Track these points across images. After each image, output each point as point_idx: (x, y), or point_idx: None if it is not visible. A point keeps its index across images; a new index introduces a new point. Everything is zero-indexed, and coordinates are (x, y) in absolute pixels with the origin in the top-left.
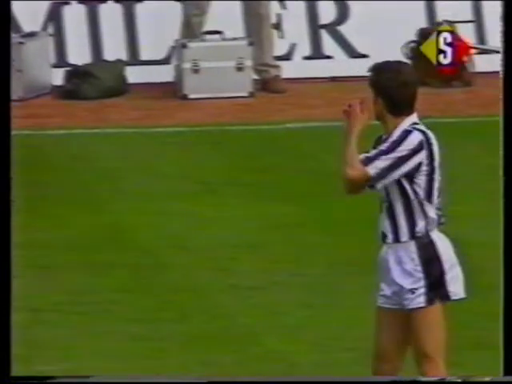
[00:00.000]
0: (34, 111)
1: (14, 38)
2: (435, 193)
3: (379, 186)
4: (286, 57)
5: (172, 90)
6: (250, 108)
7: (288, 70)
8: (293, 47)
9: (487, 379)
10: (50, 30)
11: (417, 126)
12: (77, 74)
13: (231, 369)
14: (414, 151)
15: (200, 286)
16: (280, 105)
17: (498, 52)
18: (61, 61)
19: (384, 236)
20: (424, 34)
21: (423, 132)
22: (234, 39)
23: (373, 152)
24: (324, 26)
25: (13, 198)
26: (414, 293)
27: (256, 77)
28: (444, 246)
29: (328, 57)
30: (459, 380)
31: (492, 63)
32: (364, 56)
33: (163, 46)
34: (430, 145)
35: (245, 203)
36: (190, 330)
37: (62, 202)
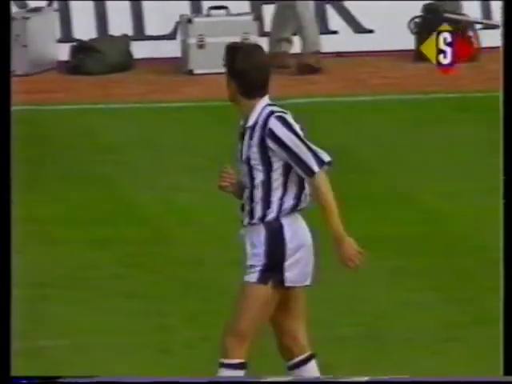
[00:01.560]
0: (38, 86)
1: (19, 13)
2: (293, 178)
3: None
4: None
5: (177, 65)
6: None
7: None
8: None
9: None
10: (56, 5)
11: (275, 108)
12: (82, 49)
13: None
14: (296, 126)
15: (205, 261)
16: (284, 80)
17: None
18: (66, 36)
19: (241, 216)
20: (429, 10)
21: (285, 114)
22: (240, 14)
23: (303, 151)
24: (330, 2)
25: (13, 175)
26: (251, 268)
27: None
28: (293, 232)
29: (334, 32)
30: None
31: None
32: (370, 31)
33: (169, 22)
34: None
35: None
36: (194, 306)
37: (66, 177)
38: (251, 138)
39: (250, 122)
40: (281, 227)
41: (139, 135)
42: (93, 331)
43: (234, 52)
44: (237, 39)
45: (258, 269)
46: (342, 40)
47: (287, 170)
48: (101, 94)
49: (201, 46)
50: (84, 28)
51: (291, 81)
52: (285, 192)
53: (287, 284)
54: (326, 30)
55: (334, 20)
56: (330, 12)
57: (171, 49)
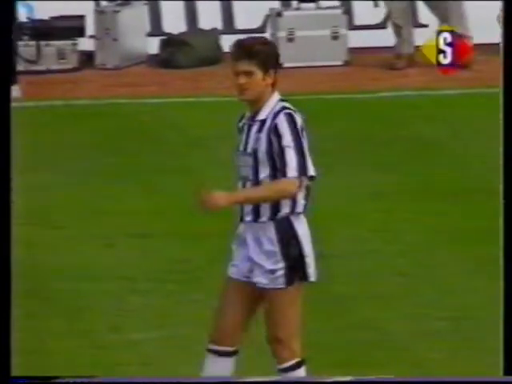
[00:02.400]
0: (129, 80)
1: (110, 6)
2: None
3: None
4: (382, 25)
5: None
6: (345, 77)
7: (383, 39)
8: (388, 16)
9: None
10: None
11: (286, 104)
12: (172, 42)
13: (325, 337)
14: (302, 130)
15: None
16: (374, 73)
17: None
18: (156, 29)
19: (242, 215)
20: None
21: (294, 112)
22: (329, 8)
23: (291, 153)
24: None
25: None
26: (273, 273)
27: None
28: (303, 228)
29: (424, 25)
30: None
31: None
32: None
33: (258, 15)
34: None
35: (340, 171)
36: None
37: (156, 170)
38: (260, 130)
39: (263, 115)
40: (291, 224)
41: (229, 128)
42: (184, 324)
43: (270, 44)
44: (327, 33)
45: (282, 272)
46: (432, 33)
47: None
48: (190, 88)
49: (290, 40)
50: (174, 21)
51: (382, 74)
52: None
53: (311, 279)
54: (415, 24)
55: (424, 13)
56: (420, 5)
57: None
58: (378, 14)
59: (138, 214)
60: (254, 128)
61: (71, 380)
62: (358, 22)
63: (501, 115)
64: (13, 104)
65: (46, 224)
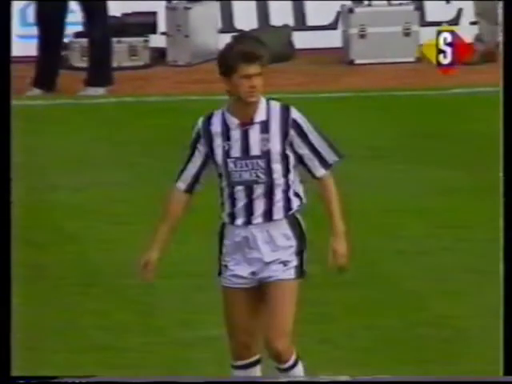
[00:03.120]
0: (201, 76)
1: (181, 3)
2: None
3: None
4: (454, 21)
5: (338, 56)
6: (417, 73)
7: None
8: (460, 12)
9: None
10: None
11: (278, 101)
12: None
13: (397, 334)
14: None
15: (367, 250)
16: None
17: None
18: (228, 26)
19: (249, 219)
20: None
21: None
22: (401, 4)
23: (321, 143)
24: None
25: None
26: (285, 265)
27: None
28: (304, 225)
29: None
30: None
31: None
32: None
33: (330, 11)
34: None
35: (412, 168)
36: (355, 295)
37: None
38: (265, 131)
39: (262, 116)
40: (298, 220)
41: None
42: None
43: (260, 41)
44: (398, 29)
45: (294, 264)
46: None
47: (296, 166)
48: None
49: (362, 36)
50: (245, 18)
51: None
52: (299, 187)
53: (305, 277)
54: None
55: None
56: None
57: (332, 39)
58: (449, 11)
59: (207, 210)
60: (254, 130)
61: (70, 380)
62: (429, 18)
63: (501, 115)
64: (86, 101)
65: (115, 220)
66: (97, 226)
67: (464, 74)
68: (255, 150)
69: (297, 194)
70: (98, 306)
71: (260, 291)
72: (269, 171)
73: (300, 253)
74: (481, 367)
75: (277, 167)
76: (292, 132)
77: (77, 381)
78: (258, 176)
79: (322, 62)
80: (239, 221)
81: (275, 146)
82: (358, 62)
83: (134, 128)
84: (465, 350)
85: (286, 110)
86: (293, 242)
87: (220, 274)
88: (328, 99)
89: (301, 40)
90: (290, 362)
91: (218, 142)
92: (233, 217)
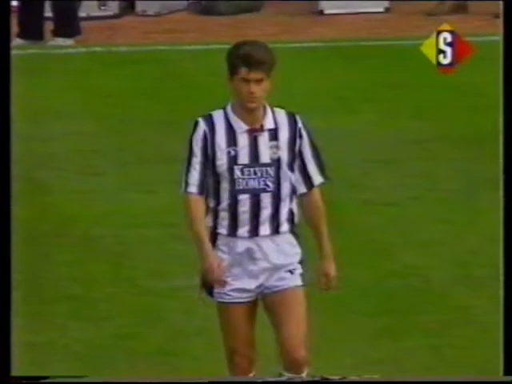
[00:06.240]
0: (170, 26)
1: None
2: None
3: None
4: None
5: (308, 6)
6: (386, 24)
7: None
8: None
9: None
10: None
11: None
12: None
13: (365, 285)
14: None
15: (334, 201)
16: (416, 21)
17: None
18: None
19: (256, 231)
20: None
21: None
22: None
23: (314, 160)
24: None
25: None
26: (293, 273)
27: None
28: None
29: None
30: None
31: None
32: None
33: None
34: None
35: (380, 118)
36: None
37: (196, 116)
38: (274, 139)
39: (271, 124)
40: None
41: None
42: None
43: (272, 50)
44: None
45: (299, 271)
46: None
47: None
48: (232, 35)
49: None
50: None
51: (423, 21)
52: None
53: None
54: None
55: None
56: None
57: None
58: None
59: (178, 161)
60: (264, 137)
61: (63, 380)
62: None
63: (501, 115)
64: (56, 51)
65: (86, 171)
66: (67, 177)
67: (434, 24)
68: (265, 157)
69: (296, 205)
70: (69, 257)
71: (264, 301)
72: (278, 180)
73: (302, 261)
74: (447, 317)
75: (285, 176)
76: (299, 141)
77: (78, 381)
78: (266, 184)
79: (291, 12)
80: (243, 232)
81: (285, 154)
82: (327, 12)
83: (104, 78)
84: (434, 299)
85: (293, 119)
86: (297, 249)
87: (211, 291)
88: (298, 49)
89: None
90: (307, 370)
91: (223, 147)
92: (234, 228)
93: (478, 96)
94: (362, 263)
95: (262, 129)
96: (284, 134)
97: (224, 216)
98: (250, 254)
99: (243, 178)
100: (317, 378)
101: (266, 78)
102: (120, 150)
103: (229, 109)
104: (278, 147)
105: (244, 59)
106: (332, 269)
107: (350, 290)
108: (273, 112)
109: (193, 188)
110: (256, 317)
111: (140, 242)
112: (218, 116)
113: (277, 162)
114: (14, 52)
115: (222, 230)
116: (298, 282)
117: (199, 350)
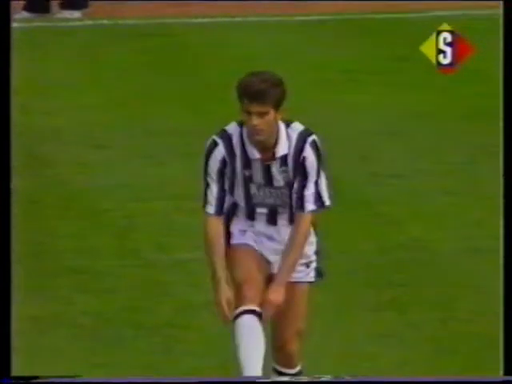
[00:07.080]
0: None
1: None
2: None
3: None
4: None
5: None
6: None
7: None
8: None
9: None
10: None
11: (302, 129)
12: None
13: (373, 257)
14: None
15: (341, 174)
16: None
17: None
18: None
19: (272, 219)
20: None
21: (315, 137)
22: None
23: (310, 186)
24: None
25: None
26: (308, 266)
27: None
28: None
29: None
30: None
31: None
32: None
33: None
34: None
35: (387, 91)
36: (329, 219)
37: (203, 88)
38: (284, 164)
39: (283, 151)
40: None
41: (277, 48)
42: None
43: (282, 83)
44: None
45: (315, 265)
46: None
47: None
48: (238, 7)
49: None
50: None
51: None
52: None
53: (323, 277)
54: None
55: None
56: None
57: None
58: None
59: (184, 133)
60: (276, 165)
61: (54, 380)
62: None
63: (500, 116)
64: (62, 24)
65: (92, 144)
66: (72, 150)
67: None
68: (278, 181)
69: None
70: (73, 230)
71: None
72: (289, 200)
73: (318, 252)
74: (453, 290)
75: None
76: (299, 164)
77: (62, 381)
78: (283, 201)
79: None
80: (261, 221)
81: (291, 178)
82: None
83: (110, 51)
84: (440, 271)
85: (302, 141)
86: (314, 238)
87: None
88: (305, 22)
89: None
90: (299, 367)
91: (239, 170)
92: (252, 219)
93: (483, 75)
94: (370, 236)
95: (273, 157)
96: (291, 161)
97: (241, 211)
98: (268, 235)
99: (259, 195)
100: (317, 378)
101: (273, 112)
102: (126, 122)
103: (245, 132)
104: (287, 172)
105: (244, 91)
106: (280, 297)
107: (356, 262)
108: (287, 134)
109: (211, 208)
110: (266, 273)
111: (145, 215)
112: (236, 140)
113: (290, 184)
114: (19, 25)
115: (241, 215)
116: (311, 278)
117: (205, 322)
